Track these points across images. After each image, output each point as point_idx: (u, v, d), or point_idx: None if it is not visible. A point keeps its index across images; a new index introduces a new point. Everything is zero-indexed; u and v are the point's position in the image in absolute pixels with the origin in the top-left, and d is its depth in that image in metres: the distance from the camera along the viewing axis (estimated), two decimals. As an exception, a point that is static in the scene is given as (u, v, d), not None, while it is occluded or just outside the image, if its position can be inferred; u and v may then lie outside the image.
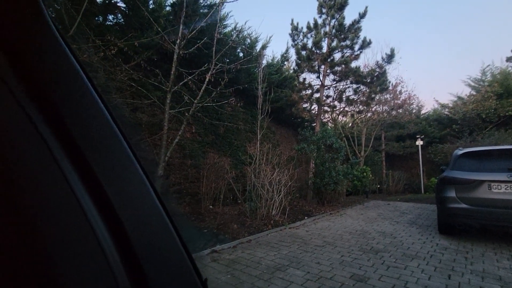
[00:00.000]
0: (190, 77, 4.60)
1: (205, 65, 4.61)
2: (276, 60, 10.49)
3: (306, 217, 6.36)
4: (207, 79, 4.62)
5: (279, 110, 10.09)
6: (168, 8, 5.89)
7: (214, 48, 4.56)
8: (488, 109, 12.93)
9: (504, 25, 35.35)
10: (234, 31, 7.25)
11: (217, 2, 5.33)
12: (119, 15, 5.36)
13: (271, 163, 6.52)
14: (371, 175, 11.93)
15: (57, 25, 0.42)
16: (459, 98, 15.30)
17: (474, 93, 14.60)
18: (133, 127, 4.38)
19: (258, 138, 7.34)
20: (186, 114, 4.80)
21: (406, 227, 5.40)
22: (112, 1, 5.01)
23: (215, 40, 4.55)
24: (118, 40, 4.34)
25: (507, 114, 12.62)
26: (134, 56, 4.78)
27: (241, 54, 7.89)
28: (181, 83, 4.69)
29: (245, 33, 7.56)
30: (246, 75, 8.00)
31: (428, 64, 34.56)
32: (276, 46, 22.19)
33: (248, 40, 7.97)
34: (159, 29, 4.40)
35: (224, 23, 6.78)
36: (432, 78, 34.66)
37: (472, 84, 15.32)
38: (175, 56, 4.36)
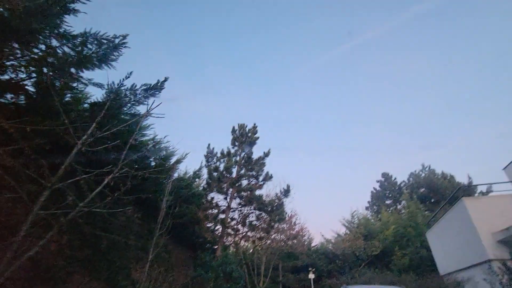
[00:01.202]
0: (85, 176, 4.04)
1: (109, 167, 4.24)
2: (188, 176, 10.66)
3: None
4: (105, 181, 4.13)
5: (182, 227, 9.33)
6: (86, 105, 5.78)
7: (125, 152, 4.39)
8: (359, 248, 15.41)
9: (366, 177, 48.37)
10: (152, 141, 7.40)
11: (141, 113, 5.63)
12: (22, 96, 4.88)
13: (157, 294, 5.29)
14: (268, 313, 10.93)
15: None
16: (339, 235, 18.02)
17: (348, 232, 17.61)
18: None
19: (149, 259, 6.20)
20: (62, 218, 3.85)
21: None
22: (20, 83, 4.64)
23: (128, 145, 4.45)
24: (4, 120, 3.73)
25: (373, 253, 15.23)
26: (20, 140, 4.05)
27: (153, 163, 7.76)
28: (70, 180, 4.01)
29: (163, 145, 7.80)
30: (153, 185, 7.60)
31: (317, 200, 41.55)
32: (191, 163, 23.20)
33: (164, 152, 8.13)
34: (65, 120, 4.09)
35: (143, 132, 6.94)
36: (320, 214, 40.94)
37: (346, 224, 18.74)
38: (74, 150, 3.92)
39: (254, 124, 12.24)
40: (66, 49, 4.66)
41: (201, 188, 11.00)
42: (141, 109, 7.03)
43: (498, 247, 6.58)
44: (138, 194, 6.03)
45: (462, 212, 7.62)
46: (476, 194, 17.85)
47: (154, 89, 4.81)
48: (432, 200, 23.56)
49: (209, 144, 11.26)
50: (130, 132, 5.38)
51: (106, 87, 4.84)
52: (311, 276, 14.13)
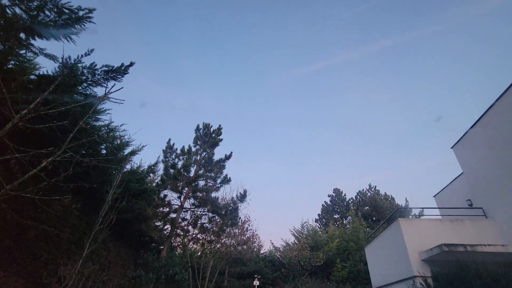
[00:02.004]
0: (18, 155, 3.55)
1: (50, 148, 3.79)
2: (142, 169, 10.06)
3: None
4: (42, 164, 3.68)
5: (127, 223, 8.71)
6: (33, 77, 5.14)
7: (72, 135, 3.97)
8: (305, 258, 16.03)
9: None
10: (106, 128, 6.85)
11: (98, 95, 5.19)
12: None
13: (87, 294, 4.82)
14: (208, 319, 10.68)
15: None
16: (287, 244, 18.51)
17: (297, 242, 18.22)
18: None
19: (84, 255, 5.63)
20: (-19, 200, 3.32)
21: None
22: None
23: (77, 128, 4.05)
24: None
25: (316, 264, 15.94)
26: None
27: (104, 152, 7.17)
28: (-2, 158, 3.49)
29: (117, 134, 7.26)
30: (101, 175, 7.01)
31: (272, 209, 42.27)
32: (147, 157, 21.99)
33: (118, 141, 7.58)
34: (3, 89, 3.58)
35: (97, 116, 6.39)
36: (273, 222, 41.67)
37: (296, 234, 19.37)
38: (9, 125, 3.43)
39: (219, 126, 12.14)
40: (18, 10, 4.13)
41: (154, 184, 10.45)
42: (99, 91, 6.48)
43: (422, 265, 7.40)
44: (81, 182, 5.51)
45: (397, 231, 8.42)
46: (410, 216, 19.90)
47: (116, 72, 4.48)
48: (374, 218, 25.65)
49: (169, 139, 10.82)
50: (82, 114, 4.91)
51: (60, 60, 4.38)
52: (256, 283, 14.23)
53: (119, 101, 4.25)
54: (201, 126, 11.99)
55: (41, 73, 5.03)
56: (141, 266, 7.42)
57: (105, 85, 4.62)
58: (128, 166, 8.08)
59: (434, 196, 12.53)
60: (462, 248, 6.54)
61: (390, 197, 27.30)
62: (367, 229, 20.13)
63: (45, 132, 4.46)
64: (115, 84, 4.36)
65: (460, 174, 10.31)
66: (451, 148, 10.23)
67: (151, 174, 10.80)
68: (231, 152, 11.36)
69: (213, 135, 11.82)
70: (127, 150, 7.91)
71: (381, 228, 11.27)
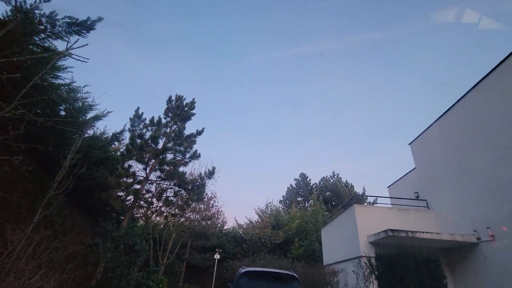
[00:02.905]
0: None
1: (-2, 103, 3.40)
2: (105, 136, 9.51)
3: None
4: (-11, 119, 3.31)
5: (86, 191, 8.33)
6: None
7: (25, 90, 3.58)
8: (266, 236, 16.82)
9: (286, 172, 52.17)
10: (66, 87, 6.27)
11: (58, 49, 4.68)
12: None
13: (39, 259, 4.63)
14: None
15: None
16: (251, 222, 19.20)
17: (260, 220, 18.96)
18: None
19: (35, 219, 5.32)
20: None
21: None
22: None
23: (32, 83, 3.65)
24: None
25: (276, 242, 16.84)
26: None
27: (62, 113, 6.62)
28: None
29: (79, 95, 6.70)
30: (59, 138, 6.51)
31: (239, 187, 43.02)
32: (112, 124, 20.71)
33: (80, 104, 7.02)
34: None
35: (56, 73, 5.80)
36: (239, 200, 42.60)
37: (260, 213, 20.11)
38: None
39: (193, 99, 11.73)
40: None
41: (118, 153, 10.00)
42: (60, 46, 5.85)
43: (369, 247, 8.21)
44: (35, 144, 5.09)
45: (351, 216, 9.15)
46: (365, 204, 21.60)
47: (81, 26, 4.06)
48: (333, 203, 27.43)
49: (138, 108, 10.25)
50: (38, 68, 4.43)
51: (13, 2, 3.84)
52: (217, 256, 14.74)
53: (82, 59, 3.88)
54: (173, 98, 11.50)
55: (-12, 14, 4.38)
56: (99, 235, 7.23)
57: (67, 39, 4.17)
58: (90, 132, 7.59)
59: (388, 187, 13.67)
60: (404, 234, 7.33)
61: (350, 185, 29.22)
62: (326, 212, 21.54)
63: (-8, 84, 3.97)
64: (78, 39, 3.96)
65: (412, 169, 11.30)
66: (409, 144, 11.08)
67: (115, 143, 10.27)
68: (203, 128, 11.16)
69: (186, 108, 11.44)
70: (89, 114, 7.38)
71: (338, 212, 12.13)
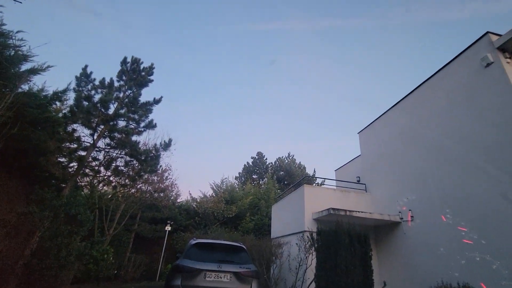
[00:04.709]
0: None
1: None
2: (45, 95, 8.37)
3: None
4: None
5: (19, 154, 7.37)
6: None
7: None
8: (219, 210, 17.22)
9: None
10: (-6, 30, 5.25)
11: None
12: None
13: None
14: (112, 258, 10.63)
15: None
16: (205, 196, 19.36)
17: (214, 195, 19.22)
18: None
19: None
20: None
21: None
22: None
23: None
24: None
25: (228, 216, 17.38)
26: None
27: (-11, 61, 5.58)
28: None
29: (11, 42, 5.69)
30: (-18, 90, 5.53)
31: (196, 160, 42.36)
32: (54, 82, 18.17)
33: (11, 52, 5.98)
34: None
35: (-20, 11, 4.79)
36: (195, 173, 42.17)
37: (215, 188, 20.34)
38: None
39: (152, 64, 10.80)
40: None
41: (61, 115, 8.94)
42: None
43: (312, 223, 9.05)
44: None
45: (300, 194, 9.87)
46: (314, 184, 23.34)
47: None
48: (286, 182, 29.03)
49: (86, 66, 9.10)
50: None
51: None
52: (168, 228, 14.70)
53: None
54: (129, 60, 10.45)
55: None
56: (34, 203, 6.59)
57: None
58: (25, 87, 6.59)
59: (335, 170, 14.91)
60: (344, 213, 8.22)
61: (303, 166, 31.07)
62: (278, 190, 22.75)
63: None
64: (11, -26, 3.30)
65: (358, 156, 12.46)
66: (358, 133, 12.08)
67: (57, 103, 9.12)
68: (161, 97, 10.49)
69: (143, 73, 10.55)
70: (24, 67, 6.36)
71: (289, 191, 12.93)
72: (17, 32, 5.59)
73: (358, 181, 11.61)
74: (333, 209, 8.20)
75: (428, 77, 8.37)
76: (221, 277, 4.86)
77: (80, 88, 8.79)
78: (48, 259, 5.97)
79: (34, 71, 6.35)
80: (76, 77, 8.82)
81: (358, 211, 8.50)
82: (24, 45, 5.91)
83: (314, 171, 30.91)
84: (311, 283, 7.19)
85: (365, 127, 11.57)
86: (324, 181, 22.67)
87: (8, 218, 5.90)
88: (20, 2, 4.25)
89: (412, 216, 8.15)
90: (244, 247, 5.93)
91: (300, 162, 31.50)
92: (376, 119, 10.93)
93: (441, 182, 7.31)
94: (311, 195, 9.70)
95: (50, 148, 7.92)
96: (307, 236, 7.84)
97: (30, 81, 6.62)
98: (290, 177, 29.43)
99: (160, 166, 13.09)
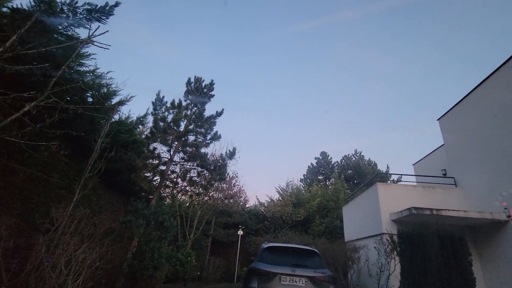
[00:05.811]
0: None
1: (32, 92, 3.65)
2: (130, 121, 9.92)
3: (104, 312, 5.00)
4: (25, 108, 3.58)
5: (116, 173, 8.90)
6: (5, 10, 4.66)
7: (55, 79, 3.80)
8: (287, 213, 17.20)
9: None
10: (91, 74, 6.53)
11: (81, 37, 4.83)
12: None
13: (80, 234, 5.14)
14: (194, 261, 11.73)
15: None
16: (272, 200, 19.63)
17: (281, 199, 19.32)
18: None
19: (75, 199, 5.84)
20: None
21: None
22: None
23: (61, 72, 3.85)
24: None
25: (297, 219, 17.19)
26: None
27: (90, 99, 6.95)
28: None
29: (104, 81, 6.96)
30: (88, 124, 6.90)
31: (260, 166, 43.65)
32: (135, 108, 21.39)
33: (105, 90, 7.31)
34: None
35: (81, 60, 6.03)
36: (260, 179, 43.39)
37: (280, 192, 20.44)
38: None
39: (212, 81, 11.74)
40: None
41: (143, 136, 10.44)
42: (82, 34, 6.02)
43: (391, 224, 8.15)
44: (68, 130, 5.44)
45: (374, 194, 9.04)
46: (389, 182, 21.14)
47: (100, 12, 4.12)
48: (356, 181, 27.10)
49: (159, 91, 10.47)
50: (64, 57, 4.63)
51: (35, -6, 3.96)
52: (240, 232, 15.42)
53: (104, 46, 3.99)
54: (192, 80, 11.58)
55: (14, 6, 4.56)
56: (131, 213, 7.80)
57: (88, 26, 4.26)
58: (116, 116, 7.95)
59: (413, 165, 13.21)
60: (429, 212, 7.16)
61: (373, 162, 28.54)
62: (348, 190, 21.40)
63: (26, 75, 4.23)
64: (99, 26, 4.05)
65: (440, 146, 10.77)
66: (437, 120, 10.47)
67: (140, 126, 10.71)
68: (223, 109, 11.23)
69: (205, 90, 11.51)
70: (114, 100, 7.69)
71: (360, 190, 12.01)
72: (107, 72, 6.80)
73: (444, 174, 10.00)
74: (415, 208, 7.23)
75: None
76: (296, 281, 4.80)
77: (156, 111, 10.10)
78: (145, 260, 6.95)
79: (121, 103, 7.61)
80: (152, 102, 10.19)
81: (448, 209, 7.28)
82: (113, 83, 7.16)
83: (388, 167, 28.03)
84: (397, 291, 6.45)
85: (447, 112, 9.94)
86: (401, 177, 20.28)
87: (113, 226, 7.12)
88: (108, 48, 5.17)
89: (526, 213, 6.54)
90: (316, 251, 5.74)
91: (369, 159, 29.05)
92: (460, 101, 9.28)
93: None
94: (387, 194, 8.79)
95: (138, 166, 9.30)
96: (387, 239, 7.09)
97: (119, 111, 7.96)
98: (359, 176, 27.38)
99: (228, 174, 13.91)
